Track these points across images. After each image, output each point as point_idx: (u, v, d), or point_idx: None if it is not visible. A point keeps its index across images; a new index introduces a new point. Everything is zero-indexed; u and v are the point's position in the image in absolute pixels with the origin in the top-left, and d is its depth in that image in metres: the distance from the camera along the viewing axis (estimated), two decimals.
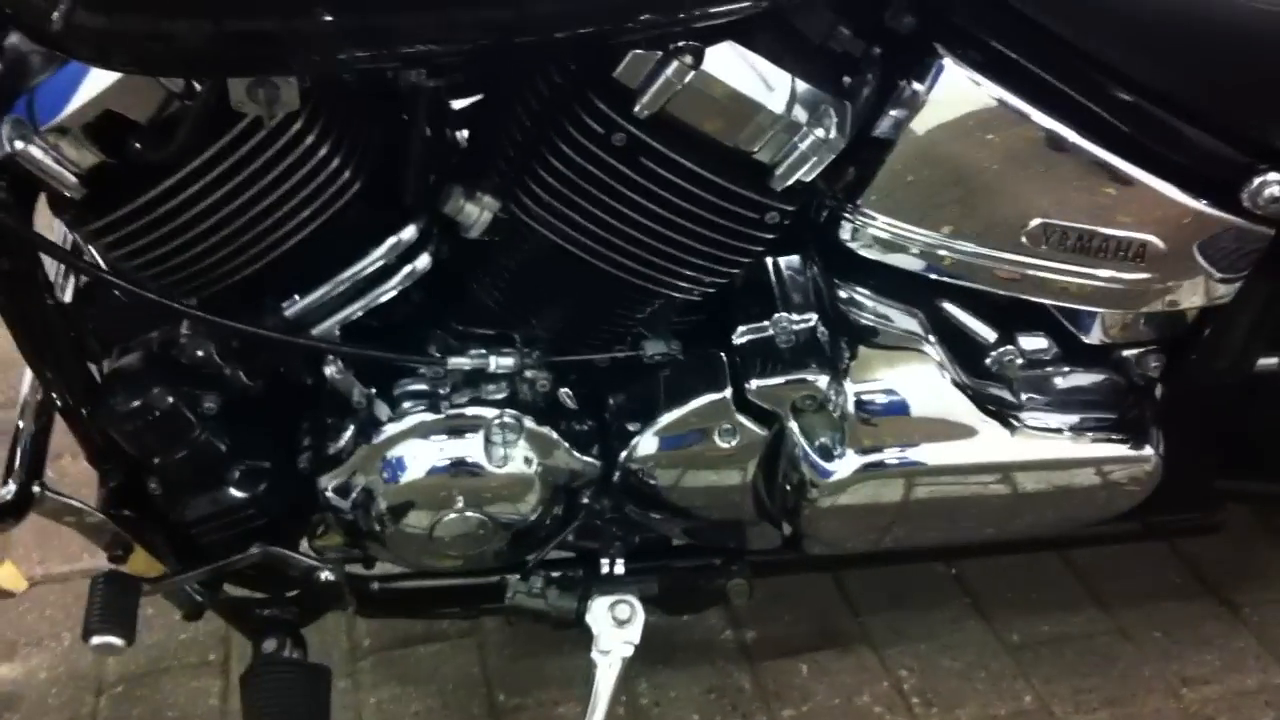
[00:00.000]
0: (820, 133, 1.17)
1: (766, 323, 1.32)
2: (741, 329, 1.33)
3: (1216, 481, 1.50)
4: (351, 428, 1.29)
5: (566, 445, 1.31)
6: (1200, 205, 1.22)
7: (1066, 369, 1.36)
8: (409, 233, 1.23)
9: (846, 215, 1.26)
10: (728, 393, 1.30)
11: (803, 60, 1.17)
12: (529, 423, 1.29)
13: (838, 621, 1.69)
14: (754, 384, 1.29)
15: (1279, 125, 1.20)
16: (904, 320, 1.34)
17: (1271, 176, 1.20)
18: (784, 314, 1.31)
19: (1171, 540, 1.75)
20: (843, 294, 1.34)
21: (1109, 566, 1.73)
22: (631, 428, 1.33)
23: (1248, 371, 1.36)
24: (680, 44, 1.12)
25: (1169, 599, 1.71)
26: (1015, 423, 1.34)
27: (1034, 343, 1.35)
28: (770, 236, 1.24)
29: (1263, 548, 1.78)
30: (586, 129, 1.15)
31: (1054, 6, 1.17)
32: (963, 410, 1.32)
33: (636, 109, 1.14)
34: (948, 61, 1.19)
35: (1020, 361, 1.35)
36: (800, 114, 1.16)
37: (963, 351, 1.35)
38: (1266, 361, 1.36)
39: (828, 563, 1.56)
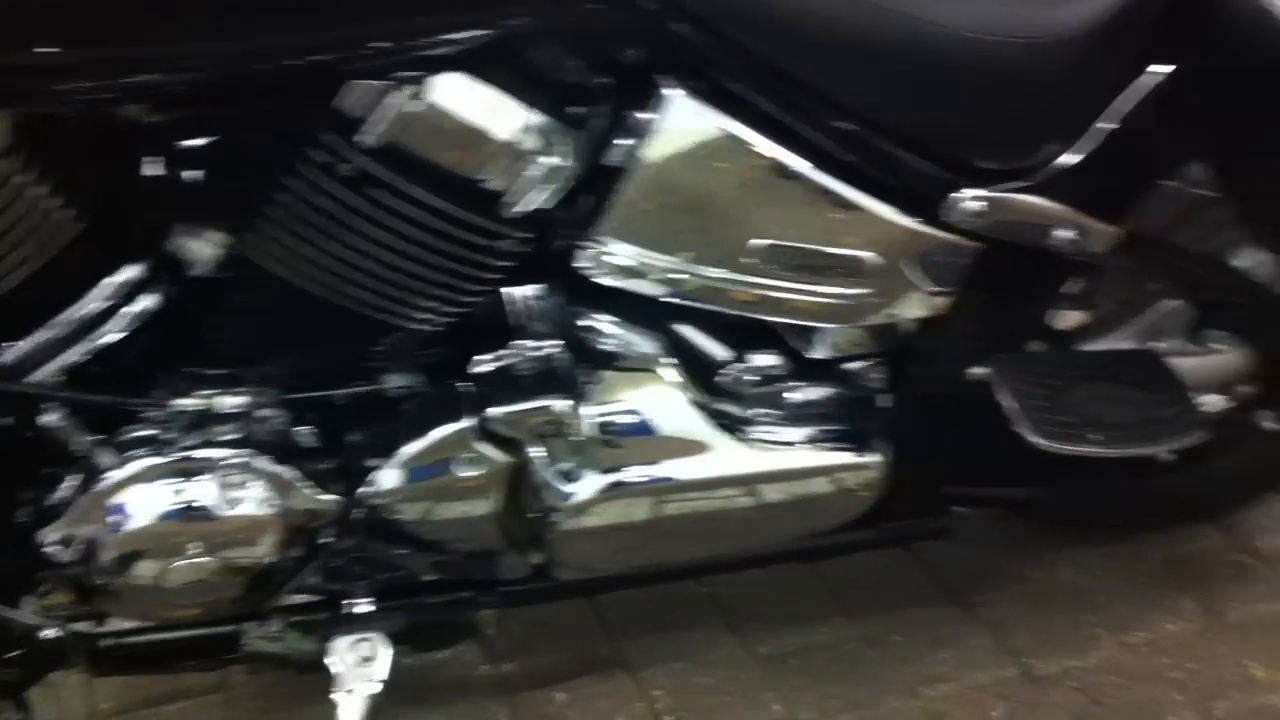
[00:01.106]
0: (550, 161, 1.19)
1: (507, 351, 1.32)
2: (483, 358, 1.33)
3: (944, 487, 1.57)
4: (72, 477, 1.23)
5: (304, 484, 1.28)
6: (909, 222, 1.29)
7: (796, 383, 1.41)
8: (130, 273, 1.18)
9: (584, 243, 1.28)
10: (469, 422, 1.30)
11: (531, 90, 1.19)
12: (263, 463, 1.25)
13: (596, 648, 1.69)
14: (494, 412, 1.29)
15: (973, 145, 1.27)
16: (642, 343, 1.36)
17: (968, 193, 1.28)
18: (525, 342, 1.32)
19: (913, 547, 1.82)
20: (583, 320, 1.36)
21: (855, 576, 1.79)
22: (373, 463, 1.31)
23: (966, 379, 1.43)
24: (404, 74, 1.12)
25: (910, 604, 1.78)
26: (749, 437, 1.38)
27: (765, 360, 1.39)
28: (506, 265, 1.25)
29: (998, 548, 1.88)
30: (311, 161, 1.13)
31: (770, 38, 1.21)
32: (699, 428, 1.35)
33: (362, 139, 1.13)
34: (673, 92, 1.22)
35: (752, 378, 1.39)
36: (529, 142, 1.18)
37: (699, 371, 1.38)
38: (984, 369, 1.44)
39: (581, 588, 1.56)
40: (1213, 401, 1.64)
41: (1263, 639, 1.71)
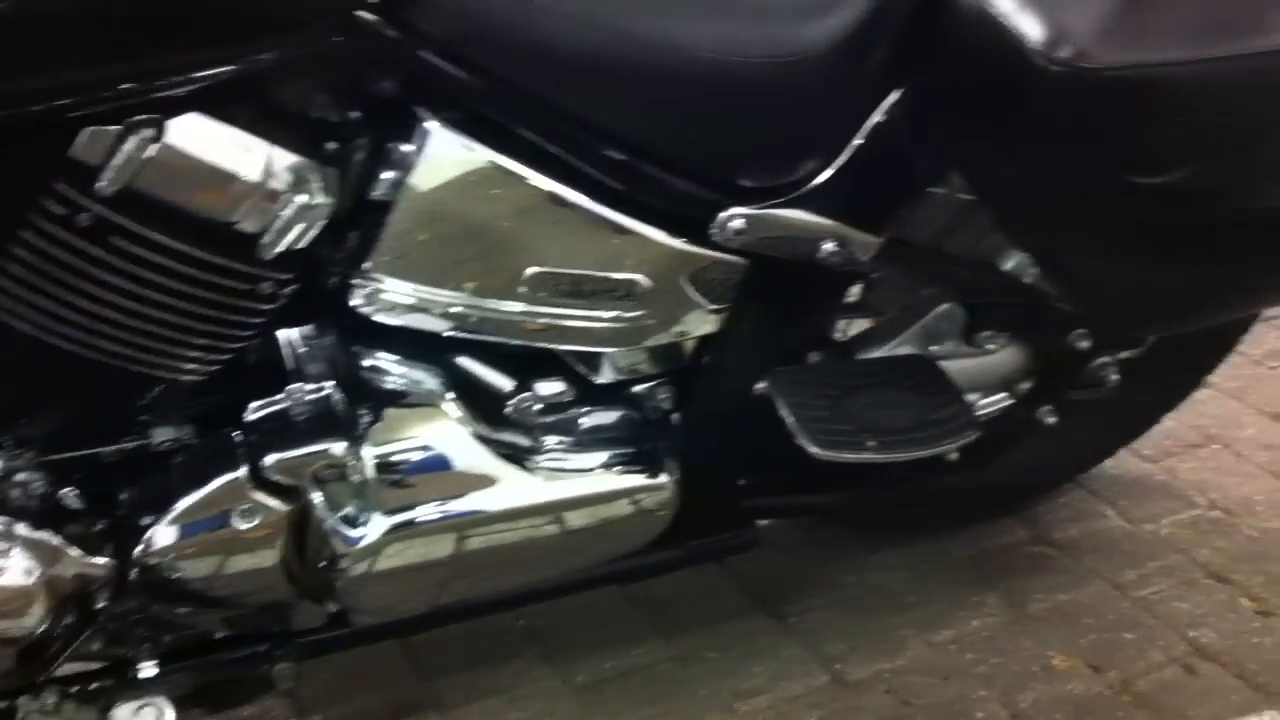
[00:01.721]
0: (303, 199, 1.17)
1: (282, 396, 1.29)
2: (256, 405, 1.29)
3: (743, 501, 1.58)
4: None
5: (72, 549, 1.23)
6: (678, 243, 1.30)
7: (583, 410, 1.41)
8: None
9: (357, 280, 1.26)
10: (243, 471, 1.26)
11: (279, 127, 1.16)
12: (23, 529, 1.20)
13: (408, 690, 1.66)
14: (270, 459, 1.26)
15: (732, 164, 1.29)
16: (424, 379, 1.34)
17: (735, 211, 1.29)
18: (299, 385, 1.29)
19: (725, 561, 1.83)
20: (362, 359, 1.33)
21: (669, 595, 1.79)
22: (147, 521, 1.27)
23: (751, 394, 1.44)
24: (142, 117, 1.08)
25: (724, 618, 1.78)
26: (538, 467, 1.37)
27: (551, 388, 1.39)
28: (269, 307, 1.22)
29: (809, 557, 1.90)
30: (48, 212, 1.09)
31: (523, 67, 1.21)
32: (485, 461, 1.34)
33: (101, 187, 1.09)
34: (432, 124, 1.21)
35: (538, 407, 1.38)
36: (280, 181, 1.15)
37: (484, 404, 1.37)
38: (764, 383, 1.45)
39: (383, 632, 1.53)
40: (994, 400, 1.69)
41: (1063, 628, 1.76)
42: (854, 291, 1.54)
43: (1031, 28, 1.13)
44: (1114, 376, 1.65)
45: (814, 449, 1.35)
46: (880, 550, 1.90)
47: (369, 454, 1.29)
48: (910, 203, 1.38)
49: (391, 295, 1.27)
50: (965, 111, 1.24)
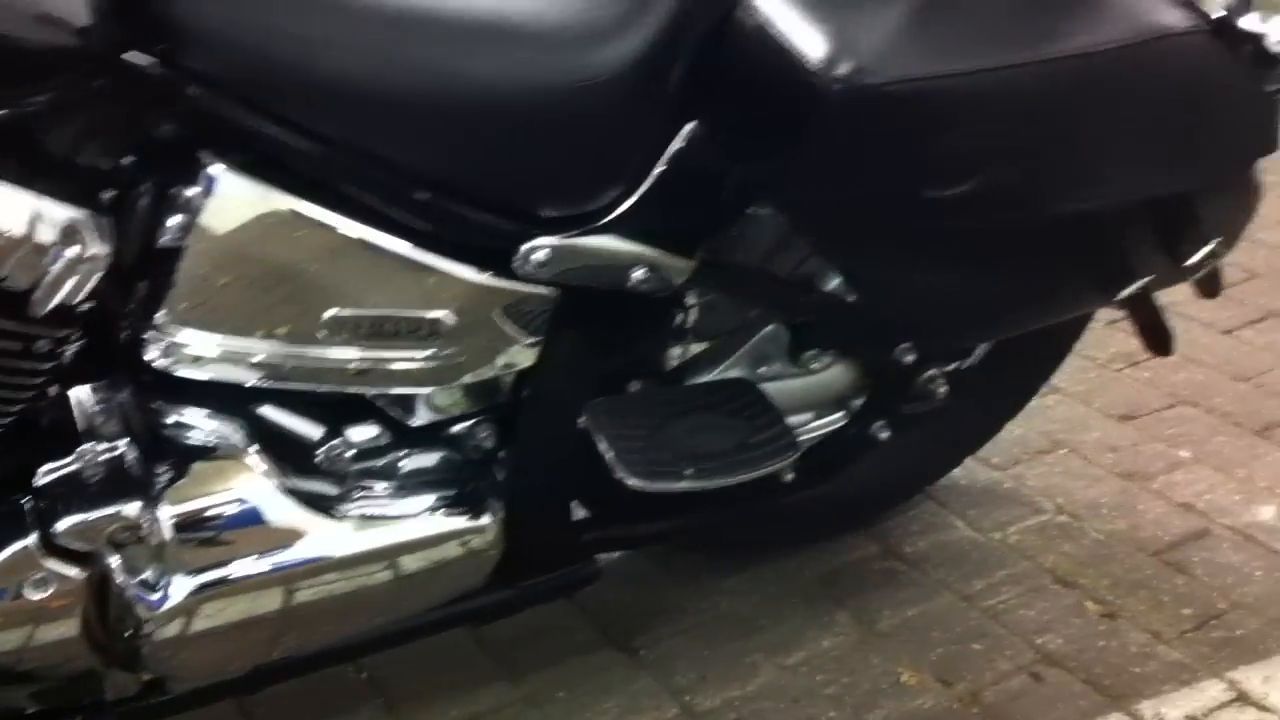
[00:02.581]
0: (75, 251, 1.11)
1: (74, 457, 1.23)
2: (46, 468, 1.23)
3: (579, 535, 1.55)
4: None
5: None
6: (483, 278, 1.27)
7: (399, 453, 1.37)
8: None
9: (150, 333, 1.21)
10: (33, 539, 1.20)
11: (46, 176, 1.11)
12: None
13: None
14: (62, 525, 1.20)
15: (532, 195, 1.26)
16: (225, 432, 1.29)
17: (538, 242, 1.27)
18: (91, 445, 1.23)
19: (573, 596, 1.80)
20: (158, 415, 1.28)
21: (517, 635, 1.75)
22: None
23: (572, 427, 1.41)
24: None
25: (574, 655, 1.75)
26: (349, 515, 1.33)
27: (362, 433, 1.35)
28: (48, 366, 1.16)
29: (662, 586, 1.87)
30: None
31: (305, 106, 1.17)
32: (292, 513, 1.29)
33: None
34: (217, 168, 1.17)
35: (351, 454, 1.33)
36: (47, 234, 1.10)
37: (293, 453, 1.32)
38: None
39: (204, 696, 1.46)
40: (829, 418, 1.68)
41: (912, 643, 1.76)
42: (686, 316, 1.52)
43: (811, 47, 1.12)
44: (943, 389, 1.66)
45: (632, 480, 1.33)
46: (733, 575, 1.88)
47: (166, 513, 1.23)
48: (724, 225, 1.36)
49: (186, 347, 1.22)
50: (757, 133, 1.23)
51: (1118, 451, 2.16)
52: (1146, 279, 1.32)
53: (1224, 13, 1.31)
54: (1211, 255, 1.34)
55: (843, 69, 1.10)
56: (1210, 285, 1.41)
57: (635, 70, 1.20)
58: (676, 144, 1.28)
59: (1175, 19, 1.21)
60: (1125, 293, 1.32)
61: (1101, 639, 1.76)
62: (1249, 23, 1.30)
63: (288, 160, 1.19)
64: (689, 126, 1.28)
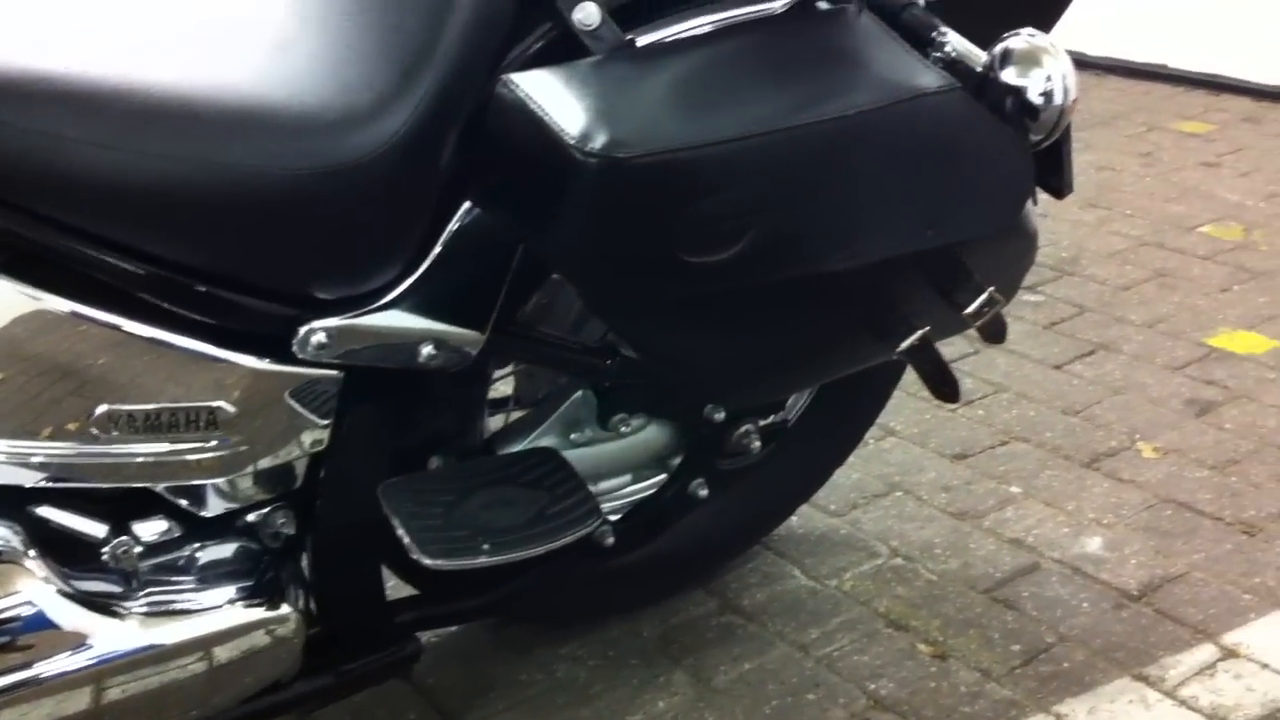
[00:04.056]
0: None
1: None
2: None
3: (393, 615, 1.53)
4: None
5: None
6: (260, 364, 1.25)
7: (191, 546, 1.34)
8: None
9: None
10: None
11: None
12: None
13: None
14: None
15: (302, 279, 1.25)
16: (3, 537, 1.25)
17: (315, 325, 1.25)
18: None
19: (406, 677, 1.77)
20: None
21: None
22: None
23: (373, 507, 1.39)
24: None
25: None
26: (141, 612, 1.29)
27: (149, 529, 1.31)
28: None
29: (496, 659, 1.85)
30: None
31: (57, 201, 1.15)
32: (78, 615, 1.25)
33: None
34: None
35: (138, 550, 1.30)
36: None
37: (75, 553, 1.28)
38: None
39: None
40: (646, 480, 1.68)
41: (747, 698, 1.76)
42: (486, 387, 1.51)
43: (568, 122, 1.13)
44: (757, 443, 1.67)
45: (426, 560, 1.31)
46: (569, 641, 1.87)
47: None
48: (512, 296, 1.36)
49: None
50: (524, 207, 1.23)
51: (951, 491, 2.19)
52: (924, 330, 1.35)
53: (984, 68, 1.35)
54: (989, 303, 1.37)
55: (598, 144, 1.11)
56: (994, 331, 1.44)
57: (395, 152, 1.19)
58: (454, 221, 1.28)
59: (930, 80, 1.25)
60: (905, 344, 1.35)
61: (932, 680, 1.78)
62: (1009, 76, 1.34)
63: (48, 258, 1.17)
64: (466, 203, 1.28)
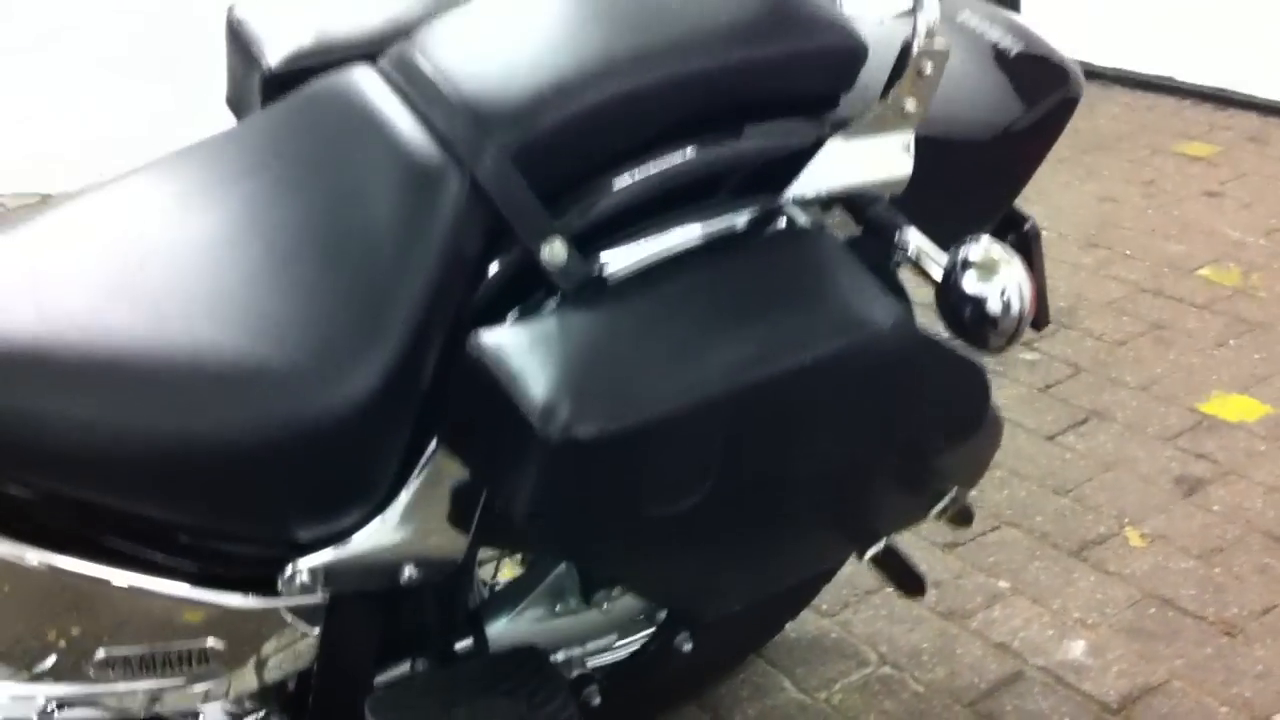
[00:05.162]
0: None
1: None
2: None
3: None
4: None
5: None
6: (250, 602, 1.31)
7: None
8: None
9: None
10: None
11: None
12: None
13: None
14: None
15: (283, 525, 1.30)
16: None
17: (299, 564, 1.31)
18: None
19: None
20: None
21: None
22: None
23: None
24: None
25: None
26: None
27: None
28: None
29: None
30: None
31: (36, 470, 1.20)
32: None
33: None
34: None
35: None
36: None
37: None
38: None
39: None
40: (634, 635, 1.74)
41: None
42: (472, 582, 1.57)
43: (530, 395, 1.16)
44: None
45: None
46: None
47: None
48: (488, 512, 1.40)
49: None
50: (488, 466, 1.27)
51: (940, 587, 2.24)
52: (889, 534, 1.39)
53: (944, 271, 1.38)
54: (953, 501, 1.41)
55: (559, 421, 1.14)
56: (961, 519, 1.49)
57: (367, 401, 1.23)
58: (428, 453, 1.32)
59: (885, 317, 1.27)
60: (872, 552, 1.39)
61: None
62: (969, 284, 1.37)
63: (35, 517, 1.23)
64: (434, 444, 1.32)
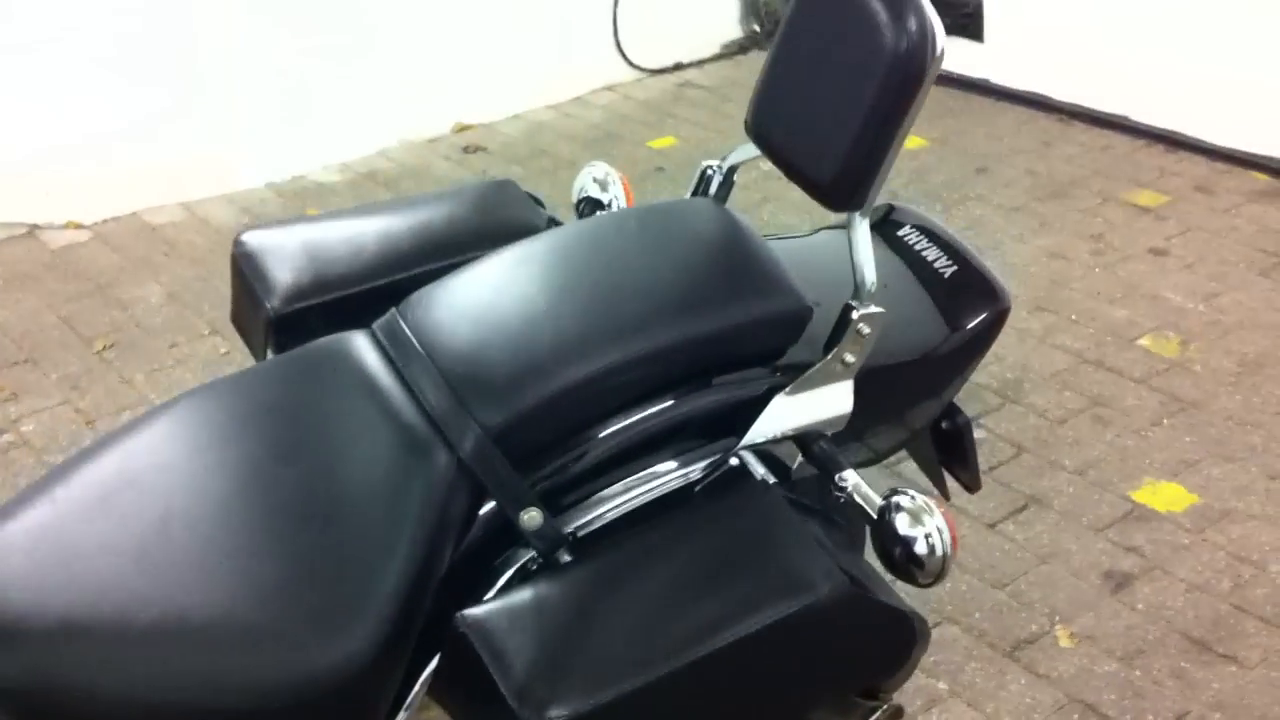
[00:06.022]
0: None
1: None
2: None
3: None
4: None
5: None
6: None
7: None
8: None
9: None
10: None
11: None
12: None
13: None
14: None
15: None
16: None
17: None
18: None
19: None
20: None
21: None
22: None
23: None
24: None
25: None
26: None
27: None
28: None
29: None
30: None
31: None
32: None
33: None
34: None
35: None
36: None
37: None
38: None
39: None
40: None
41: None
42: None
43: (510, 680, 1.32)
44: None
45: None
46: None
47: None
48: None
49: None
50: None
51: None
52: None
53: (878, 513, 1.56)
54: (886, 710, 1.61)
55: (534, 703, 1.30)
56: (893, 717, 1.68)
57: (367, 657, 1.36)
58: (414, 695, 1.49)
59: (824, 582, 1.45)
60: None
61: None
62: (901, 525, 1.55)
63: None
64: (420, 683, 1.49)
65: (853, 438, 1.75)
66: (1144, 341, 3.41)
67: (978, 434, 3.06)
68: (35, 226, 4.24)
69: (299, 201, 4.34)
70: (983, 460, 2.98)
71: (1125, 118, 4.45)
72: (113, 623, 1.37)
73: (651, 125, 4.87)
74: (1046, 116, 4.65)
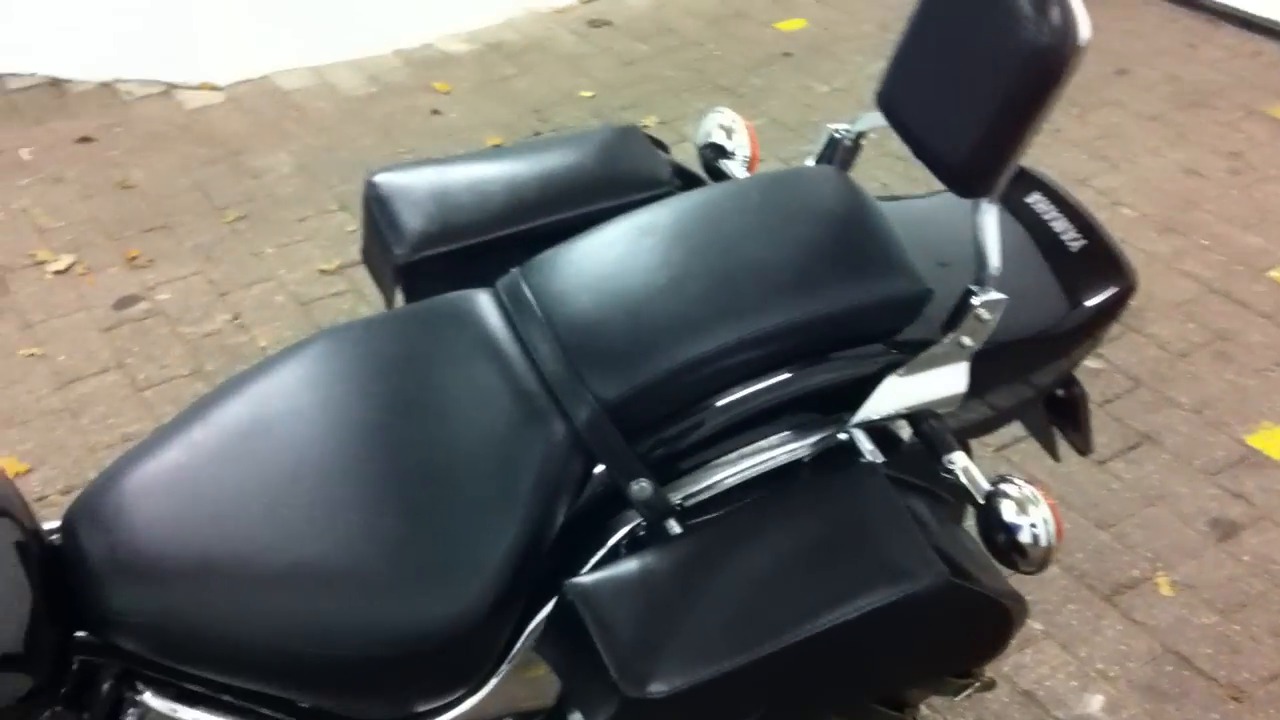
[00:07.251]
0: None
1: None
2: None
3: None
4: None
5: None
6: None
7: None
8: None
9: None
10: None
11: None
12: None
13: None
14: None
15: (405, 703, 1.53)
16: None
17: None
18: None
19: None
20: None
21: None
22: None
23: None
24: None
25: None
26: None
27: None
28: None
29: None
30: None
31: (219, 666, 1.46)
32: None
33: None
34: (144, 697, 1.46)
35: None
36: None
37: None
38: None
39: None
40: None
41: None
42: None
43: (613, 653, 1.38)
44: None
45: None
46: None
47: None
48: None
49: None
50: (572, 685, 1.51)
51: None
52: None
53: (985, 498, 1.57)
54: (979, 684, 1.65)
55: (633, 681, 1.37)
56: (984, 689, 1.72)
57: (482, 612, 1.43)
58: (527, 632, 1.56)
59: (925, 573, 1.47)
60: None
61: None
62: (1008, 512, 1.57)
63: (198, 689, 1.50)
64: (537, 617, 1.55)
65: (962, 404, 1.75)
66: (1275, 274, 3.31)
67: (1095, 364, 3.03)
68: (171, 85, 4.30)
69: (425, 71, 4.35)
70: (1097, 394, 2.97)
71: (1277, 22, 4.23)
72: (245, 567, 1.45)
73: (781, 3, 4.75)
74: (1192, 15, 4.44)
